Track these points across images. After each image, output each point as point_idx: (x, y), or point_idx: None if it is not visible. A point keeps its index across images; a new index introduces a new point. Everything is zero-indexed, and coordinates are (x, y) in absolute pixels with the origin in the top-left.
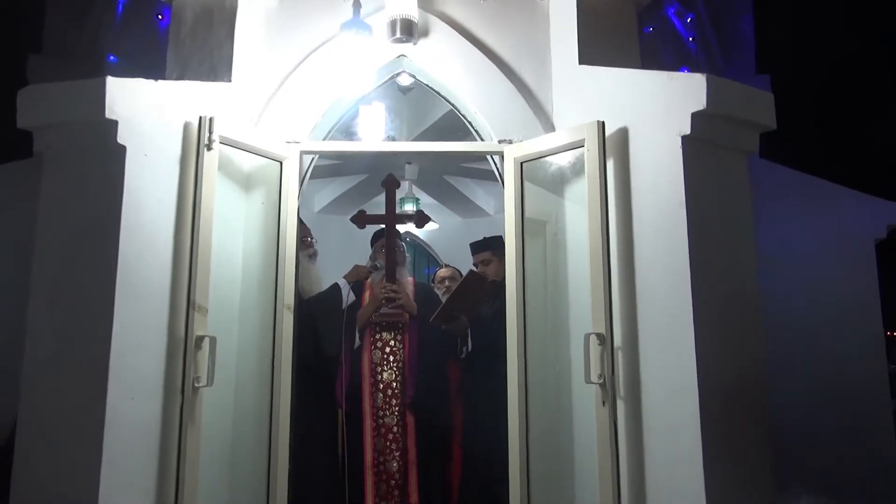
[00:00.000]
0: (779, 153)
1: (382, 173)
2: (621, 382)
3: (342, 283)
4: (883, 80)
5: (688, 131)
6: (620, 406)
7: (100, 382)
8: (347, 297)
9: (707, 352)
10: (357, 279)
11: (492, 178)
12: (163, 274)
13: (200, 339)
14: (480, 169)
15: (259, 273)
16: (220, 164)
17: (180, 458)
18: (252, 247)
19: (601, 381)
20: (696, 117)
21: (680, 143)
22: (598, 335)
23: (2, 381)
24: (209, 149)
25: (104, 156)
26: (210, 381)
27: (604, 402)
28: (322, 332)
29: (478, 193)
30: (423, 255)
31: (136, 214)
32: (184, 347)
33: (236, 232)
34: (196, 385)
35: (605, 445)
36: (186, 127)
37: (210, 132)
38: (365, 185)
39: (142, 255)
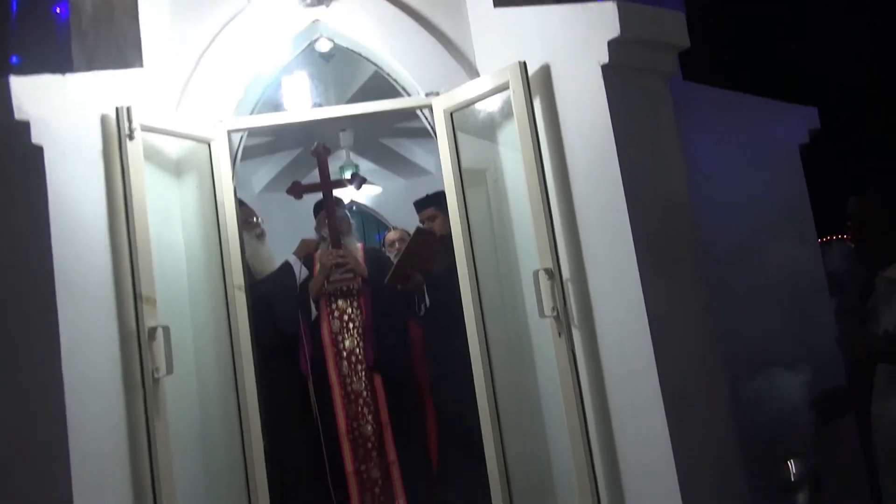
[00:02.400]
0: (699, 74)
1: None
2: (574, 313)
3: (293, 259)
4: None
5: (606, 60)
6: (576, 335)
7: (56, 390)
8: (300, 272)
9: (649, 273)
10: (307, 253)
11: (428, 135)
12: (104, 270)
13: (153, 329)
14: (415, 128)
15: (204, 257)
16: (146, 152)
17: (152, 453)
18: (193, 232)
19: (555, 313)
20: (613, 45)
21: (600, 73)
22: (547, 270)
23: None
24: (131, 138)
25: (20, 159)
26: (170, 370)
27: (560, 334)
28: (279, 311)
29: (416, 153)
30: (372, 221)
31: (65, 215)
32: (137, 340)
33: (174, 219)
34: (156, 376)
35: (567, 374)
36: (104, 119)
37: (129, 121)
38: (301, 159)
39: (78, 254)
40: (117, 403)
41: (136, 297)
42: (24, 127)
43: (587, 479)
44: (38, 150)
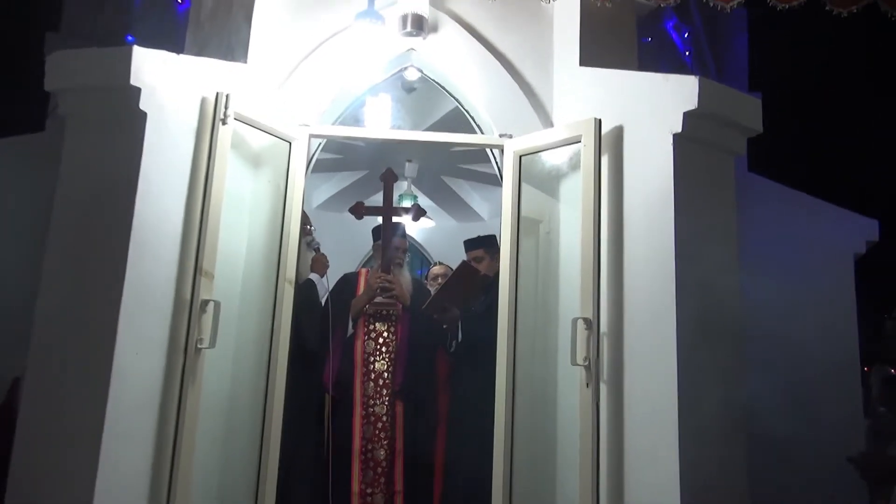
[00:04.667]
0: (766, 167)
1: (381, 171)
2: (605, 366)
3: (315, 277)
4: (866, 101)
5: (679, 129)
6: (603, 389)
7: (108, 337)
8: (326, 289)
9: (686, 343)
10: (324, 269)
11: (489, 181)
12: (173, 238)
13: (205, 302)
14: (479, 172)
15: (264, 247)
16: (233, 139)
17: (180, 414)
18: (258, 222)
19: (586, 363)
20: (688, 116)
21: (671, 141)
22: (585, 320)
23: (6, 344)
24: (224, 123)
25: (126, 121)
26: (213, 344)
27: (588, 384)
28: (302, 325)
29: (474, 197)
30: (417, 255)
31: (152, 179)
32: (189, 310)
33: (243, 206)
34: (199, 346)
35: (587, 425)
36: (203, 101)
37: (226, 108)
38: (363, 182)
39: (155, 218)
40: (158, 362)
41: (197, 269)
42: (136, 92)
43: None
44: (143, 116)
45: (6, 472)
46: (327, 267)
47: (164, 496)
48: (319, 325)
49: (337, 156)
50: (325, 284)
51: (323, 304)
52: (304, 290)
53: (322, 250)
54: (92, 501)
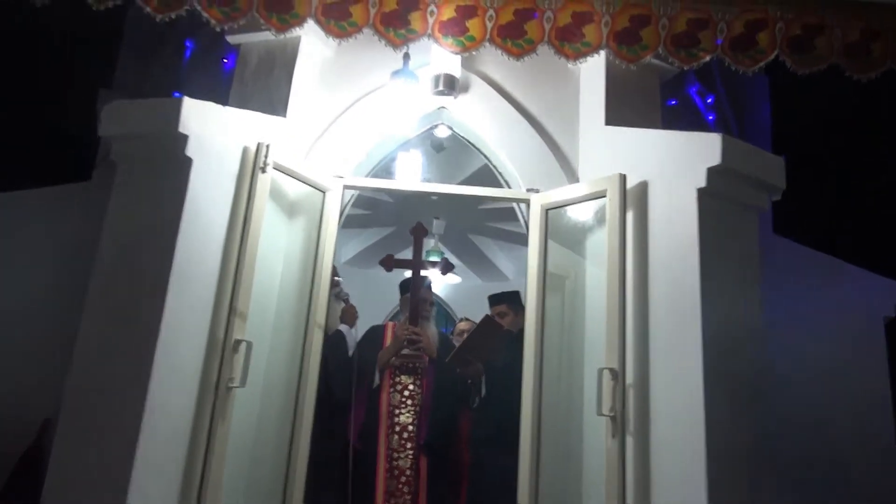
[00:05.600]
0: (792, 230)
1: (409, 227)
2: (632, 417)
3: (344, 328)
4: (892, 164)
5: (703, 184)
6: (629, 440)
7: (143, 373)
8: (355, 340)
9: (714, 394)
10: (353, 320)
11: (515, 240)
12: (210, 279)
13: (238, 342)
14: (505, 230)
15: (295, 292)
16: (271, 188)
17: (208, 451)
18: (291, 268)
19: (612, 414)
20: (712, 172)
21: (695, 196)
22: (611, 370)
23: (37, 386)
24: (263, 171)
25: (172, 166)
26: (243, 383)
27: (614, 435)
28: (330, 374)
29: (499, 256)
30: (442, 313)
31: (193, 222)
32: (222, 349)
33: (278, 252)
34: (230, 385)
35: (613, 476)
36: (245, 151)
37: (266, 157)
38: (391, 238)
39: (194, 259)
40: (190, 400)
41: (231, 310)
42: (184, 139)
43: None
44: (189, 161)
45: None
46: (357, 318)
47: None
48: (347, 375)
49: (366, 211)
50: (354, 335)
51: (351, 354)
52: (334, 340)
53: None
54: None
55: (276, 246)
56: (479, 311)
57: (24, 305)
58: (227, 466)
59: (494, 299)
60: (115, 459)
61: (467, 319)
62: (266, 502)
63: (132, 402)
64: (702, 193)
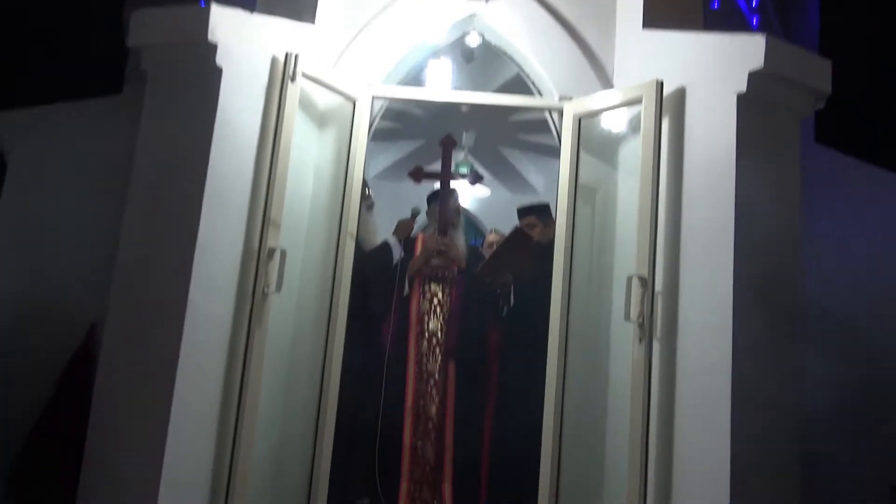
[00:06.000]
0: (835, 139)
1: (438, 141)
2: (659, 324)
3: (392, 240)
4: None
5: (743, 90)
6: (656, 346)
7: (183, 282)
8: (399, 253)
9: (743, 305)
10: (405, 234)
11: (546, 152)
12: (244, 189)
13: (272, 250)
14: (536, 143)
15: (327, 201)
16: (301, 97)
17: (247, 356)
18: (322, 177)
19: (640, 320)
20: (753, 76)
21: (735, 102)
22: (641, 278)
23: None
24: (293, 80)
25: (203, 76)
26: (279, 288)
27: (640, 340)
28: (373, 287)
29: (529, 169)
30: (471, 227)
31: (225, 132)
32: (257, 257)
33: (309, 161)
34: (266, 291)
35: (639, 382)
36: (274, 60)
37: (295, 66)
38: (420, 151)
39: (227, 169)
40: (228, 307)
41: (265, 219)
42: (213, 49)
43: (637, 493)
44: (219, 71)
45: (89, 408)
46: (411, 231)
47: (231, 429)
48: (390, 284)
49: (395, 124)
50: (401, 249)
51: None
52: (384, 252)
53: (379, 219)
54: (167, 428)
55: (308, 156)
56: (508, 224)
57: (69, 216)
58: (265, 369)
59: (523, 211)
60: (159, 362)
61: (497, 231)
62: (302, 404)
63: (173, 308)
64: (742, 99)
